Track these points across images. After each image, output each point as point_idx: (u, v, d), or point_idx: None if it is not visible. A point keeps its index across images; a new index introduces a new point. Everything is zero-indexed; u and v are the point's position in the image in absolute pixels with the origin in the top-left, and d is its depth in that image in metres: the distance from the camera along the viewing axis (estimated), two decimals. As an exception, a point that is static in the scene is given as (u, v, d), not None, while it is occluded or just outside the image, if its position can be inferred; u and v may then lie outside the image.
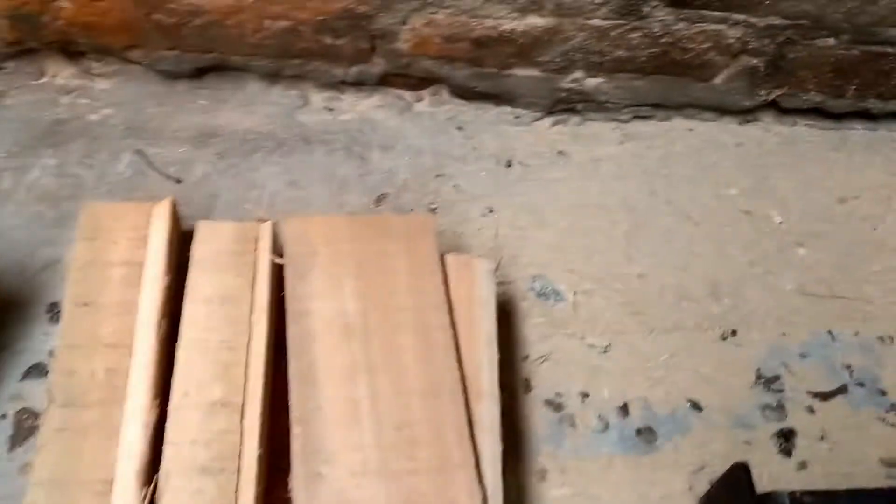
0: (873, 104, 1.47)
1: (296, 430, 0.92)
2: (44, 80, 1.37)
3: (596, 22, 1.29)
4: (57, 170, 1.28)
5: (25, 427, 1.06)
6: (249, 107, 1.39)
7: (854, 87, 1.43)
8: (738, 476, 0.95)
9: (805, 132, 1.51)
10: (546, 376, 1.18)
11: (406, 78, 1.42)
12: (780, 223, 1.38)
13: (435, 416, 0.95)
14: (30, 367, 1.10)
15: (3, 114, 1.33)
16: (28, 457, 1.02)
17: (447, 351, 0.99)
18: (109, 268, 1.03)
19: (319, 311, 1.01)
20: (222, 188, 1.30)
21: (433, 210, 1.32)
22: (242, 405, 0.97)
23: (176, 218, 1.14)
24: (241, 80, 1.40)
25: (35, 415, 1.06)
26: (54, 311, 1.15)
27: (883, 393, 1.22)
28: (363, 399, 0.95)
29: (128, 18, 1.26)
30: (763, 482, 1.10)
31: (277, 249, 1.12)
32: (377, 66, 1.38)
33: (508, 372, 1.17)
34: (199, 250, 1.10)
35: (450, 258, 1.10)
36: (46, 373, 1.10)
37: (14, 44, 1.32)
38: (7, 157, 1.28)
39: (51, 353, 1.11)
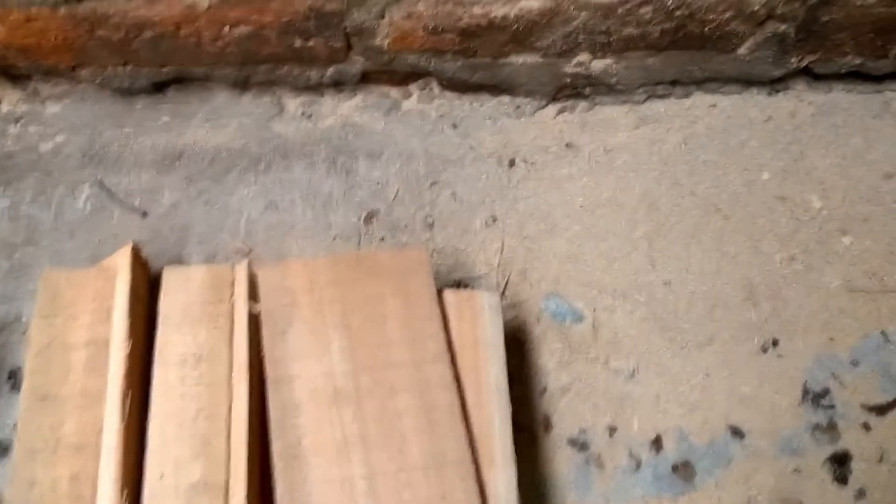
0: (919, 62, 1.30)
1: (284, 522, 0.81)
2: (-12, 108, 1.23)
3: (600, -1, 1.13)
4: (9, 212, 1.16)
5: (-11, 519, 0.95)
6: (218, 120, 1.25)
7: (897, 45, 1.26)
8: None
9: (842, 98, 1.34)
10: (568, 411, 1.06)
11: (390, 74, 1.27)
12: (821, 209, 1.22)
13: (441, 492, 0.83)
14: (-9, 446, 1.00)
15: (-55, 151, 1.20)
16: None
17: (451, 412, 0.87)
18: (71, 351, 0.91)
19: (303, 376, 0.89)
20: (194, 218, 1.17)
21: (430, 224, 1.19)
22: (226, 485, 0.86)
23: (140, 269, 1.01)
24: (206, 91, 1.26)
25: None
26: (16, 378, 1.04)
27: (947, 400, 1.09)
28: (358, 479, 0.83)
29: (69, 37, 1.12)
30: (819, 520, 0.98)
31: (257, 293, 1.00)
32: (356, 64, 1.23)
33: (526, 410, 1.05)
34: (167, 303, 0.98)
35: (448, 295, 0.97)
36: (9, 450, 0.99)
37: (-52, 72, 1.18)
38: (-47, 202, 1.16)
39: (14, 427, 1.00)
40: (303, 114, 1.27)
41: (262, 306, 0.94)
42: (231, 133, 1.24)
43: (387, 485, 0.82)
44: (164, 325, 0.96)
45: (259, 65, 1.21)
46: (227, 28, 1.13)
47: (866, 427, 1.06)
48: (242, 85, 1.26)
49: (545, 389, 1.07)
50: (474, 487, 0.83)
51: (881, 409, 1.08)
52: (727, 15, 1.17)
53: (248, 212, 1.17)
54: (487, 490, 0.84)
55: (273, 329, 0.92)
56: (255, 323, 0.96)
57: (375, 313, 0.93)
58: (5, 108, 1.23)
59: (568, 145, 1.27)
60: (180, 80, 1.24)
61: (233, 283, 1.01)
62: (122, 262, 0.98)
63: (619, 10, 1.15)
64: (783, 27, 1.20)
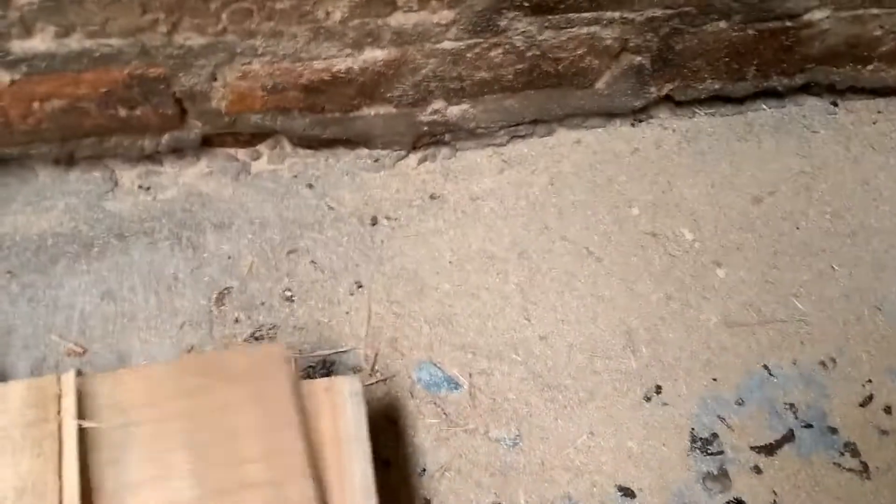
0: (778, 81, 1.29)
1: None
2: None
3: (447, 45, 1.06)
4: None
5: None
6: (42, 203, 1.12)
7: (754, 67, 1.25)
8: None
9: (706, 122, 1.32)
10: (450, 492, 0.98)
11: (235, 136, 1.18)
12: (693, 241, 1.20)
13: None
14: None
15: None
16: None
17: (315, 533, 0.78)
18: None
19: (140, 509, 0.78)
20: (17, 319, 1.04)
21: (290, 298, 1.09)
22: None
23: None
24: (26, 170, 1.13)
25: None
26: None
27: (833, 431, 1.07)
28: None
29: None
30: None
31: (87, 408, 0.88)
32: (194, 129, 1.13)
33: (405, 496, 0.97)
34: (-19, 429, 0.85)
35: (306, 386, 0.88)
36: None
37: None
38: None
39: None
40: (140, 187, 1.16)
41: (94, 428, 0.83)
42: (57, 216, 1.12)
43: None
44: (-22, 455, 0.84)
45: (83, 138, 1.09)
46: (36, 103, 1.01)
47: (757, 470, 1.03)
48: (67, 161, 1.14)
49: (424, 470, 0.99)
50: None
51: (770, 449, 1.05)
52: (580, 51, 1.12)
53: (82, 305, 1.05)
54: None
55: (106, 456, 0.81)
56: (86, 443, 0.84)
57: (227, 427, 0.83)
58: None
59: (432, 196, 1.20)
60: (-6, 162, 1.11)
61: (59, 397, 0.90)
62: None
63: (469, 55, 1.09)
64: (638, 59, 1.17)
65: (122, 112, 1.06)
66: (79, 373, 0.90)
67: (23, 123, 1.04)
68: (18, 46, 0.93)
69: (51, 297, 1.06)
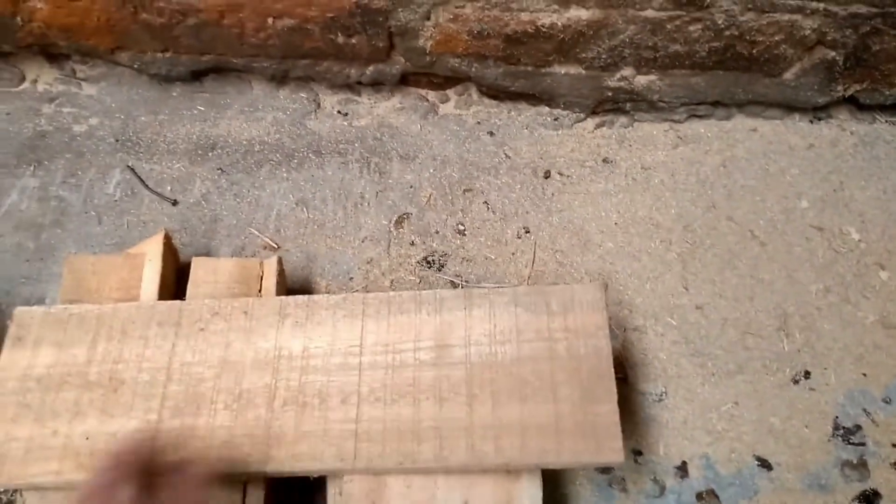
0: (967, 98, 1.28)
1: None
2: (23, 86, 1.22)
3: (650, 13, 1.11)
4: (38, 192, 1.14)
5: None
6: (254, 113, 1.24)
7: (947, 79, 1.24)
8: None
9: (886, 130, 1.32)
10: (592, 431, 1.03)
11: (430, 77, 1.26)
12: (859, 241, 1.20)
13: None
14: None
15: (-22, 126, 1.19)
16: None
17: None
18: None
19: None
20: (224, 210, 1.15)
21: (461, 231, 1.17)
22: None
23: (171, 258, 1.01)
24: (243, 83, 1.25)
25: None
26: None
27: (981, 445, 1.06)
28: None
29: (112, 19, 1.11)
30: (845, 561, 0.96)
31: (285, 288, 0.99)
32: (396, 65, 1.21)
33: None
34: (194, 294, 0.96)
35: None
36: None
37: (-14, 48, 1.17)
38: (-18, 178, 1.15)
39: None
40: (339, 112, 1.25)
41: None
42: (265, 127, 1.22)
43: None
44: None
45: (299, 59, 1.20)
46: (270, 20, 1.12)
47: (897, 467, 1.04)
48: (280, 79, 1.24)
49: (571, 407, 1.04)
50: None
51: (913, 450, 1.05)
52: (777, 38, 1.15)
53: (279, 207, 1.16)
54: (514, 503, 0.82)
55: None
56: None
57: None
58: (41, 86, 1.22)
59: (605, 160, 1.25)
60: (219, 70, 1.23)
61: (261, 278, 1.00)
62: (153, 250, 0.97)
63: (669, 26, 1.13)
64: (832, 54, 1.18)
65: (341, 38, 1.15)
66: (279, 261, 1.00)
67: (254, 37, 1.15)
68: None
69: (253, 196, 1.16)
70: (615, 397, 0.87)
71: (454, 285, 1.11)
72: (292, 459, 0.83)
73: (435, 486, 0.85)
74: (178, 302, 0.92)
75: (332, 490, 0.86)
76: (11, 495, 0.92)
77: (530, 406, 0.86)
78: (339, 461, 0.83)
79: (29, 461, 0.82)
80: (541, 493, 0.85)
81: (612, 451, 0.84)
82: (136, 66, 1.20)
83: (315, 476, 0.86)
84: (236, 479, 0.85)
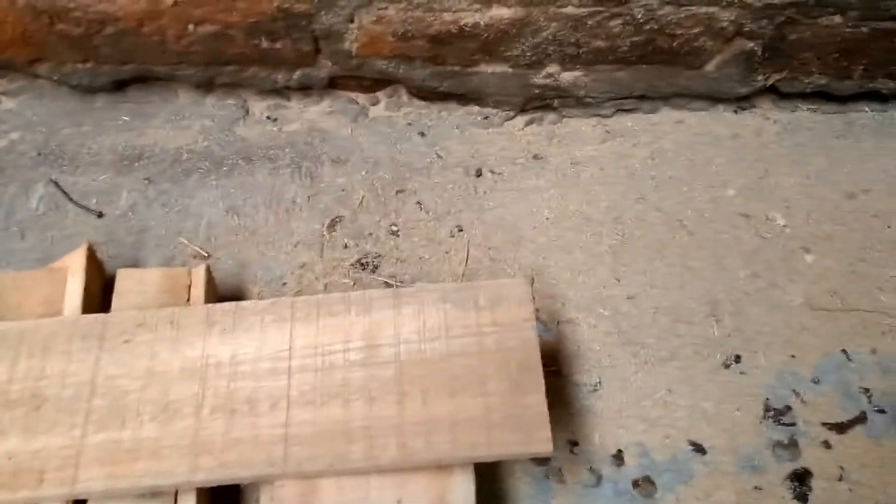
0: (883, 84, 1.32)
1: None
2: (-61, 102, 1.19)
3: (570, 10, 1.13)
4: (-42, 210, 1.12)
5: None
6: (181, 121, 1.22)
7: (862, 67, 1.27)
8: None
9: (807, 118, 1.35)
10: (529, 424, 1.04)
11: (358, 80, 1.26)
12: (784, 227, 1.23)
13: None
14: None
15: None
16: None
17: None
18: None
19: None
20: (152, 220, 1.14)
21: (395, 233, 1.17)
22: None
23: (95, 270, 0.99)
24: (169, 91, 1.23)
25: None
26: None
27: (906, 419, 1.09)
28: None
29: (27, 30, 1.09)
30: (778, 538, 0.98)
31: (214, 297, 0.97)
32: (324, 68, 1.21)
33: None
34: (120, 306, 0.95)
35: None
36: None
37: None
38: None
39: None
40: (268, 117, 1.25)
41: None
42: (193, 135, 1.21)
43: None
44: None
45: (224, 66, 1.19)
46: (191, 26, 1.11)
47: (826, 445, 1.06)
48: (206, 86, 1.23)
49: (507, 402, 1.05)
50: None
51: (841, 427, 1.08)
52: (696, 30, 1.17)
53: (209, 216, 1.15)
54: (447, 499, 0.82)
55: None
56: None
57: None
58: (-42, 102, 1.20)
59: (535, 157, 1.27)
60: (143, 79, 1.22)
61: (189, 287, 0.99)
62: (76, 263, 0.95)
63: (590, 22, 1.14)
64: (751, 45, 1.21)
65: (265, 43, 1.15)
66: (208, 269, 0.99)
67: (175, 44, 1.14)
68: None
69: (182, 204, 1.15)
70: (543, 388, 0.87)
71: (389, 287, 1.11)
72: (221, 468, 0.82)
73: (368, 486, 0.85)
74: (101, 315, 0.91)
75: (264, 496, 0.86)
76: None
77: (460, 401, 0.86)
78: (269, 466, 0.82)
79: (-51, 483, 0.80)
80: (473, 487, 0.85)
81: (542, 441, 0.85)
82: (56, 77, 1.18)
83: (247, 483, 0.85)
84: (166, 490, 0.84)
